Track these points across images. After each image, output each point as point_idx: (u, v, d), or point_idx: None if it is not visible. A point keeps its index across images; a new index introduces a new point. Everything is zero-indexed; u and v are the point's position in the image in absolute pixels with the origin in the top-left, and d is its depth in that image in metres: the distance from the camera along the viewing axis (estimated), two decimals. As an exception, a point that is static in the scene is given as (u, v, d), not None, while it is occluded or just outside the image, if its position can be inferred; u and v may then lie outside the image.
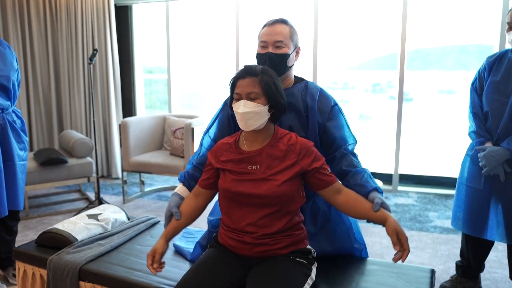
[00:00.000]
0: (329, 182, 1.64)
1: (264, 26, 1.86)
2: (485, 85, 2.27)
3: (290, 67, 1.86)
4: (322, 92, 1.88)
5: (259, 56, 1.82)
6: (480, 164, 2.25)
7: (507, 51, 2.25)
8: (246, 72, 1.61)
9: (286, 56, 1.79)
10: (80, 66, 4.97)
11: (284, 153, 1.62)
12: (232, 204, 1.66)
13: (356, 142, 1.88)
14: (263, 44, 1.81)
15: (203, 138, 2.00)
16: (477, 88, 2.33)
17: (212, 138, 1.96)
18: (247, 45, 4.81)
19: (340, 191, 1.66)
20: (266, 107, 1.58)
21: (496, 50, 4.10)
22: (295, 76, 1.94)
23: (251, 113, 1.56)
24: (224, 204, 1.70)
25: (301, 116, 1.85)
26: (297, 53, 1.88)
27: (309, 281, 1.59)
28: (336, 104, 1.88)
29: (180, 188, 1.86)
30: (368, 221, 1.64)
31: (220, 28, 5.61)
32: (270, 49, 1.79)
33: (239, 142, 1.71)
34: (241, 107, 1.57)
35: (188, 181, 1.88)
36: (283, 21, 1.84)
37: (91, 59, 3.84)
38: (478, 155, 2.26)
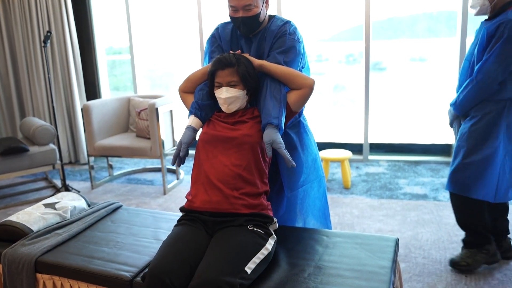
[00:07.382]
0: None
1: None
2: None
3: (264, 20, 1.92)
4: (285, 24, 1.93)
5: (233, 20, 1.90)
6: None
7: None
8: (223, 64, 1.79)
9: (257, 16, 1.86)
10: (37, 51, 4.75)
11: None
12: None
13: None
14: (233, 8, 1.86)
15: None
16: None
17: None
18: (210, 20, 4.68)
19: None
20: (245, 91, 1.82)
21: (459, 16, 4.08)
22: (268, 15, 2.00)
23: (233, 98, 1.79)
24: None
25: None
26: (267, 2, 1.92)
27: (264, 251, 1.61)
28: (291, 35, 1.89)
29: (193, 121, 1.87)
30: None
31: (181, 2, 5.43)
32: (241, 13, 1.84)
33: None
34: (223, 93, 1.79)
35: (200, 111, 1.87)
36: None
37: (45, 41, 3.66)
38: None
